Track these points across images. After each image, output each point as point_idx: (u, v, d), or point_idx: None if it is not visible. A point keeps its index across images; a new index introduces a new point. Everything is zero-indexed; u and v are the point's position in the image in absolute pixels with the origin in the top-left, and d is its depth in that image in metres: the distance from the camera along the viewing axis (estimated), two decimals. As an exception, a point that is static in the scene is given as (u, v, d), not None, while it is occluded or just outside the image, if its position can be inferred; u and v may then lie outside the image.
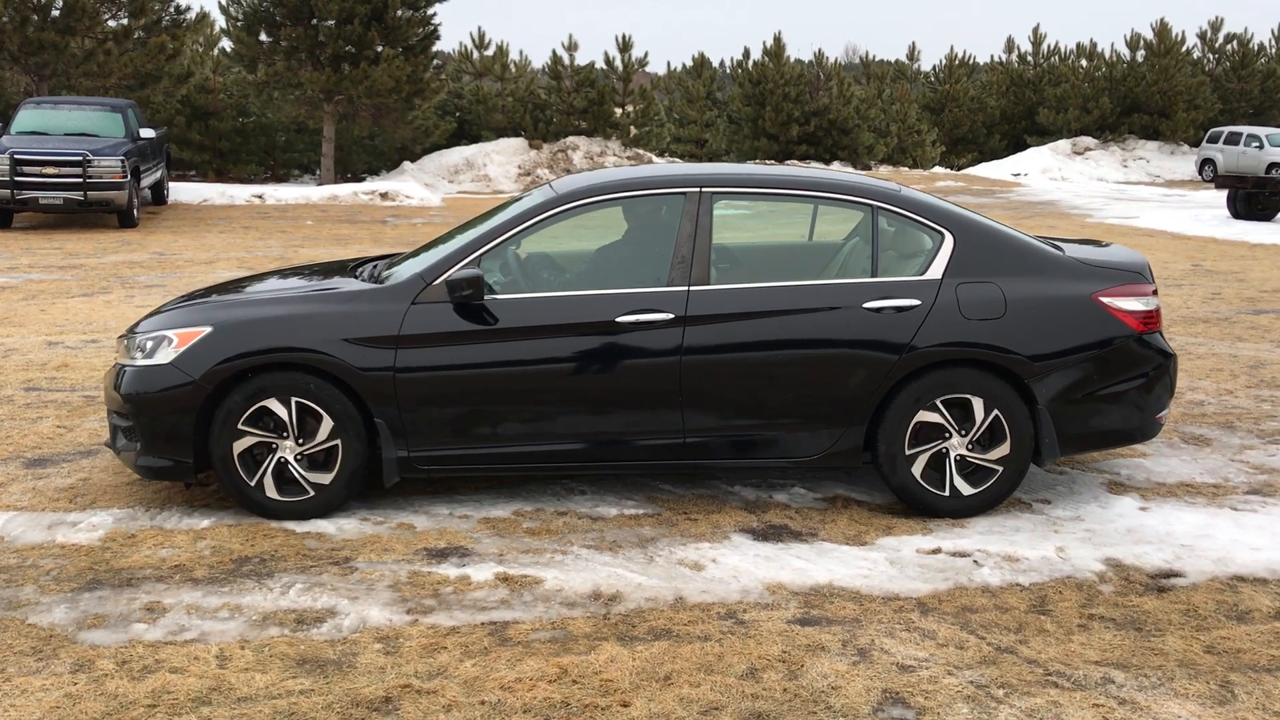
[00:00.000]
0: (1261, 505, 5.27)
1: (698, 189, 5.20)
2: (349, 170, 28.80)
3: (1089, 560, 4.61)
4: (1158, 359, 5.20)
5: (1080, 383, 5.09)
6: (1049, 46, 42.80)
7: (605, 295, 5.07)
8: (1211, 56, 41.81)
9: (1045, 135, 39.19)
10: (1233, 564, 4.57)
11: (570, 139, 30.33)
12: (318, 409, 4.91)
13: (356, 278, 5.43)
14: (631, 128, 32.19)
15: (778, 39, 35.75)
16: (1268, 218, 19.90)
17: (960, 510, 5.08)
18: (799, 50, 55.33)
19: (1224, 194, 21.32)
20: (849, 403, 5.05)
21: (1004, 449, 5.02)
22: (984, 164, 37.83)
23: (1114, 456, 5.97)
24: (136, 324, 5.39)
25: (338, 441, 4.94)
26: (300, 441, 4.95)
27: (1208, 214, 20.95)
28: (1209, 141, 33.61)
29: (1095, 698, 3.54)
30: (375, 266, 5.60)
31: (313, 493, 4.98)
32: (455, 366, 4.98)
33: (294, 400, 4.91)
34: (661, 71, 49.78)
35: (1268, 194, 20.12)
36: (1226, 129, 33.38)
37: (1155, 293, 5.30)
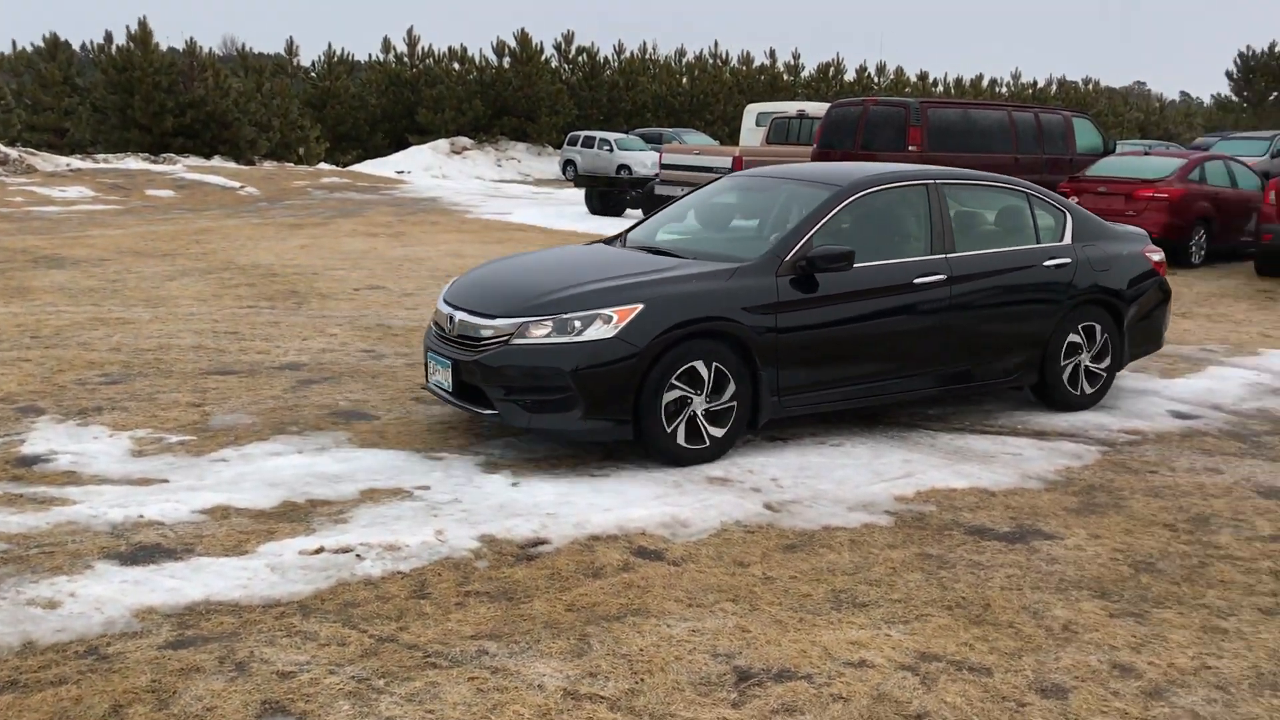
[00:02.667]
0: (614, 469, 5.86)
1: (933, 181, 6.97)
2: None
3: (465, 539, 4.82)
4: (1166, 292, 7.85)
5: (1141, 308, 7.58)
6: (424, 49, 44.38)
7: (902, 263, 6.63)
8: (567, 66, 45.96)
9: (425, 134, 40.61)
10: (590, 526, 5.03)
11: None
12: (725, 371, 5.93)
13: (615, 245, 7.18)
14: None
15: (143, 24, 33.37)
16: (618, 213, 22.31)
17: (1086, 402, 7.35)
18: (169, 38, 52.21)
19: (583, 192, 23.55)
20: (1035, 335, 7.08)
21: (1108, 360, 7.40)
22: (369, 161, 38.33)
23: (490, 439, 6.31)
24: (457, 304, 6.23)
25: (734, 403, 6.00)
26: (708, 399, 5.90)
27: (570, 210, 23.00)
28: (569, 144, 36.91)
29: (471, 671, 3.71)
30: (621, 238, 7.32)
31: (709, 444, 5.96)
32: (810, 326, 6.22)
33: (714, 364, 5.88)
34: (7, 50, 44.27)
35: (617, 192, 22.56)
36: (583, 133, 36.87)
37: None
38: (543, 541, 4.86)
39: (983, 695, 3.65)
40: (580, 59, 46.26)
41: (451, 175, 36.49)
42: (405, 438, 6.29)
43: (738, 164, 18.85)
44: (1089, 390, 7.36)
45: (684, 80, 48.19)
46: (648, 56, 48.75)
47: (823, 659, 3.86)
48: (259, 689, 3.55)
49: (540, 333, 5.76)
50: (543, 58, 43.94)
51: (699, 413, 5.92)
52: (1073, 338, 7.22)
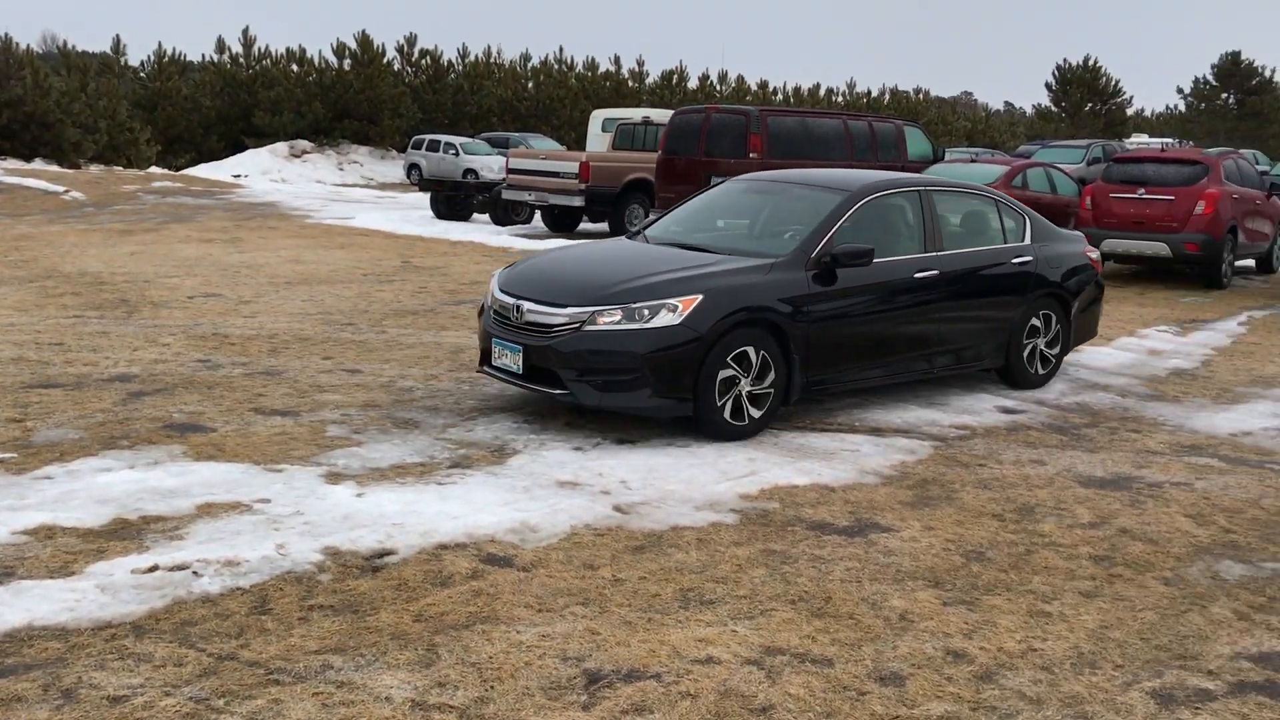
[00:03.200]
0: (461, 477, 5.82)
1: (922, 188, 7.98)
2: None
3: (308, 552, 4.71)
4: (1101, 288, 9.01)
5: (1083, 301, 8.68)
6: (260, 49, 43.11)
7: (905, 259, 7.50)
8: (410, 69, 45.30)
9: (263, 137, 39.44)
10: (437, 534, 4.98)
11: None
12: (767, 354, 6.66)
13: (638, 240, 7.93)
14: None
15: (-48, 18, 31.37)
16: (464, 218, 22.12)
17: (1040, 380, 8.39)
18: (-17, 33, 48.95)
19: (428, 196, 23.25)
20: (1005, 322, 8.07)
21: (1058, 346, 8.48)
22: (203, 165, 37.02)
23: (332, 448, 6.18)
24: (513, 294, 6.87)
25: (772, 383, 6.72)
26: (752, 380, 6.64)
27: (415, 214, 22.69)
28: (414, 148, 36.37)
29: (315, 686, 3.63)
30: (637, 232, 8.16)
31: (747, 422, 6.66)
32: (832, 314, 7.00)
33: (759, 349, 6.62)
34: None
35: (463, 197, 22.36)
36: (428, 136, 36.39)
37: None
38: (389, 552, 4.79)
39: (825, 686, 3.76)
40: (424, 62, 45.67)
41: (291, 179, 35.53)
42: (244, 450, 6.11)
43: (585, 170, 18.92)
44: (1043, 371, 8.47)
45: (530, 85, 48.07)
46: (493, 60, 48.47)
47: (671, 658, 3.91)
48: (88, 716, 3.40)
49: (610, 320, 6.42)
50: (385, 60, 43.21)
51: (744, 392, 6.63)
52: (1034, 323, 8.29)
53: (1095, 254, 8.97)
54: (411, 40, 45.42)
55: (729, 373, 6.53)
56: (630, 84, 49.67)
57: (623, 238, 8.36)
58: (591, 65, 49.86)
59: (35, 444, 6.08)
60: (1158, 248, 14.67)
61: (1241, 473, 6.45)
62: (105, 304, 10.71)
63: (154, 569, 4.48)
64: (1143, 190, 14.91)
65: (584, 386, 6.46)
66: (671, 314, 6.41)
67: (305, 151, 39.01)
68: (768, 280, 6.77)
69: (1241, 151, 22.64)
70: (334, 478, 5.71)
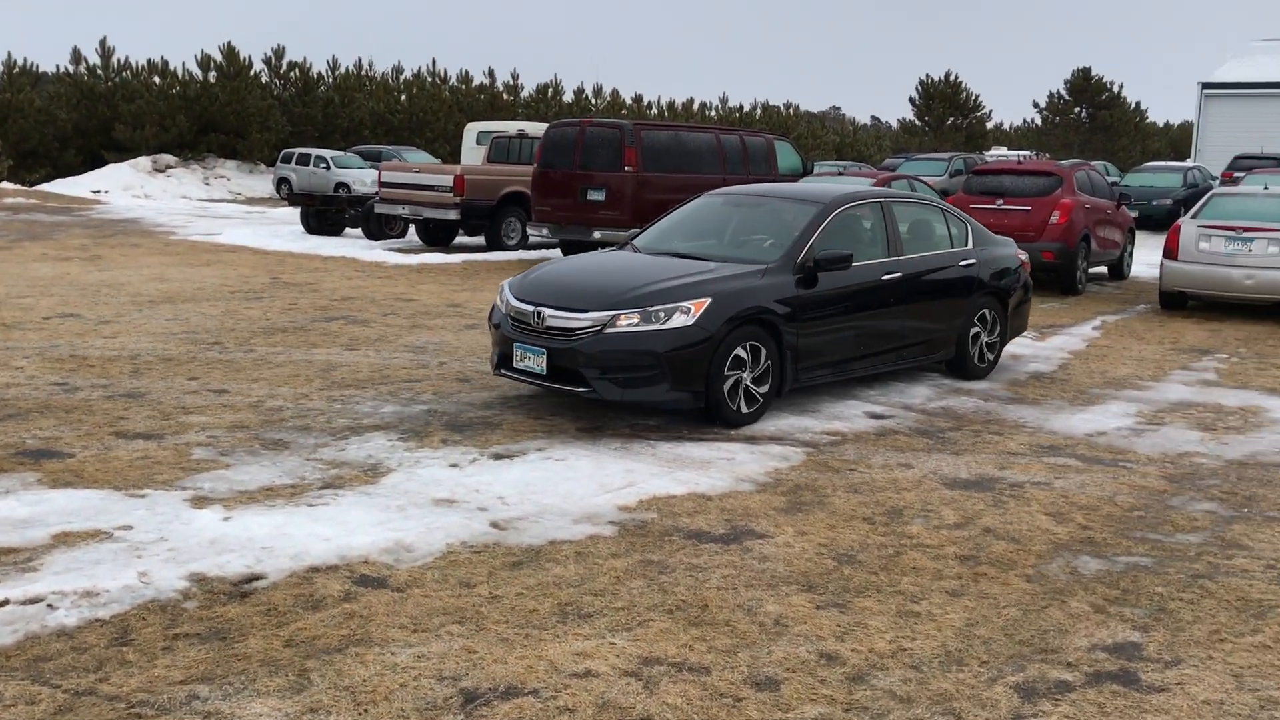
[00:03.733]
0: (333, 497, 5.70)
1: (884, 200, 8.84)
2: None
3: (173, 580, 4.56)
4: (1029, 287, 9.93)
5: (1017, 298, 9.66)
6: (119, 61, 41.58)
7: (875, 263, 8.26)
8: (279, 82, 44.31)
9: (125, 151, 38.08)
10: (308, 557, 4.87)
11: None
12: (764, 350, 7.40)
13: (627, 249, 8.57)
14: None
15: None
16: (337, 232, 21.72)
17: (984, 370, 9.40)
18: None
19: (298, 211, 22.76)
20: (956, 319, 9.00)
21: (998, 333, 9.45)
22: (60, 180, 35.55)
23: (198, 471, 6.00)
24: (528, 299, 7.45)
25: (769, 376, 7.45)
26: (753, 373, 7.34)
27: (285, 229, 22.18)
28: (283, 161, 35.55)
29: (181, 717, 3.51)
30: (626, 243, 8.82)
31: (754, 408, 7.46)
32: (816, 314, 7.74)
33: (758, 346, 7.33)
34: None
35: (334, 211, 21.95)
36: (298, 150, 35.63)
37: None
38: (258, 576, 4.66)
39: (702, 694, 3.79)
40: (292, 74, 44.68)
41: (155, 195, 34.40)
42: (104, 475, 5.88)
43: (459, 183, 18.77)
44: (988, 360, 9.44)
45: (403, 97, 47.44)
46: (364, 73, 47.71)
47: (549, 672, 3.90)
48: (-67, 760, 3.22)
49: (629, 322, 7.04)
50: (252, 72, 42.16)
51: (746, 384, 7.31)
52: (978, 319, 9.21)
53: (1025, 256, 9.95)
54: (279, 52, 44.43)
55: (734, 367, 7.22)
56: (505, 97, 49.47)
57: (615, 249, 9.00)
58: (465, 78, 49.51)
59: (-126, 475, 5.75)
60: (1017, 256, 15.22)
61: (1097, 471, 6.73)
62: (-48, 326, 10.20)
63: (4, 603, 4.27)
64: (1001, 201, 15.48)
65: (606, 383, 7.05)
66: (685, 316, 7.07)
67: (169, 166, 37.79)
68: (763, 284, 7.48)
69: (1093, 163, 23.66)
70: (200, 501, 5.54)
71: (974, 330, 9.18)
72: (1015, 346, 11.10)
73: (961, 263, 9.05)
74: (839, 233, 8.16)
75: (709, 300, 7.15)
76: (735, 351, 7.22)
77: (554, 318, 7.21)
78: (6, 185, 31.48)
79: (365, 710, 3.60)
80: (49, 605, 4.27)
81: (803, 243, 7.85)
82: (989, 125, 67.93)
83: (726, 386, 7.21)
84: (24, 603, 4.28)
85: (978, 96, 65.40)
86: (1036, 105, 67.71)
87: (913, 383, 9.01)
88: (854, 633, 4.32)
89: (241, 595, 4.48)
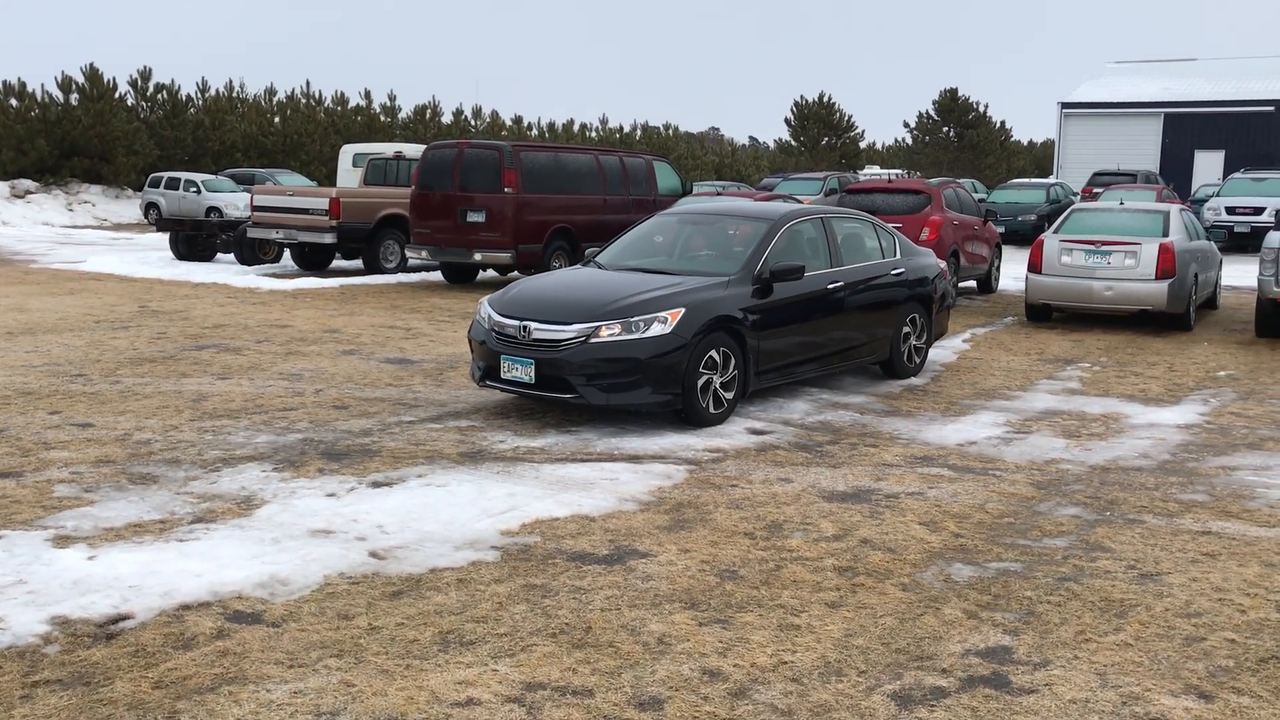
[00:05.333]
0: (205, 532, 5.53)
1: (823, 215, 9.60)
2: None
3: (32, 624, 4.36)
4: (949, 295, 10.87)
5: (939, 304, 10.56)
6: (-27, 82, 39.82)
7: (820, 274, 9.03)
8: (145, 104, 42.99)
9: (-21, 176, 36.44)
10: (179, 594, 4.71)
11: None
12: (731, 355, 8.09)
13: (588, 266, 9.28)
14: None
15: None
16: (208, 258, 21.14)
17: (914, 370, 10.24)
18: None
19: (167, 236, 22.10)
20: (889, 323, 9.78)
21: (926, 338, 10.34)
22: (-91, 207, 33.83)
23: (60, 509, 5.76)
24: (510, 312, 8.09)
25: (735, 379, 8.15)
26: (721, 376, 8.02)
27: (154, 256, 21.52)
28: (151, 186, 34.50)
29: (40, 769, 3.35)
30: (589, 261, 9.50)
31: (724, 408, 8.13)
32: (773, 321, 8.44)
33: (725, 351, 8.02)
34: None
35: (205, 235, 21.37)
36: (167, 174, 34.62)
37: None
38: (125, 617, 4.49)
39: (585, 717, 3.78)
40: (160, 96, 43.40)
41: (14, 222, 33.01)
42: (-43, 517, 5.60)
43: (335, 206, 18.46)
44: (917, 362, 10.31)
45: (276, 120, 46.49)
46: (235, 95, 46.64)
47: (430, 703, 3.84)
48: None
49: (611, 333, 7.64)
50: (116, 95, 40.82)
51: (717, 386, 7.96)
52: (907, 324, 10.04)
53: (944, 265, 10.80)
54: (146, 74, 43.12)
55: (706, 371, 7.86)
56: (382, 119, 48.87)
57: (580, 266, 9.56)
58: (341, 100, 48.76)
59: None
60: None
61: (968, 480, 6.93)
62: None
63: None
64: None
65: (593, 389, 7.62)
66: (663, 325, 7.70)
67: (29, 192, 36.32)
68: (727, 294, 8.16)
69: (960, 181, 24.44)
70: (62, 541, 5.32)
71: (905, 333, 10.02)
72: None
73: (893, 272, 9.90)
74: (788, 247, 8.91)
75: (683, 310, 7.80)
76: (708, 355, 7.86)
77: (540, 330, 7.79)
78: None
79: (239, 751, 3.49)
80: (-104, 657, 4.04)
81: (758, 256, 8.57)
82: (862, 145, 69.67)
83: (700, 388, 7.84)
84: None
85: (851, 117, 67.07)
86: (907, 125, 69.83)
87: (792, 398, 9.16)
88: (736, 648, 4.36)
89: (108, 637, 4.31)
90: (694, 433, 7.88)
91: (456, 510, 5.98)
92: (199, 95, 44.85)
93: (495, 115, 53.18)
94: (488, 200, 16.65)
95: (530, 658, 4.22)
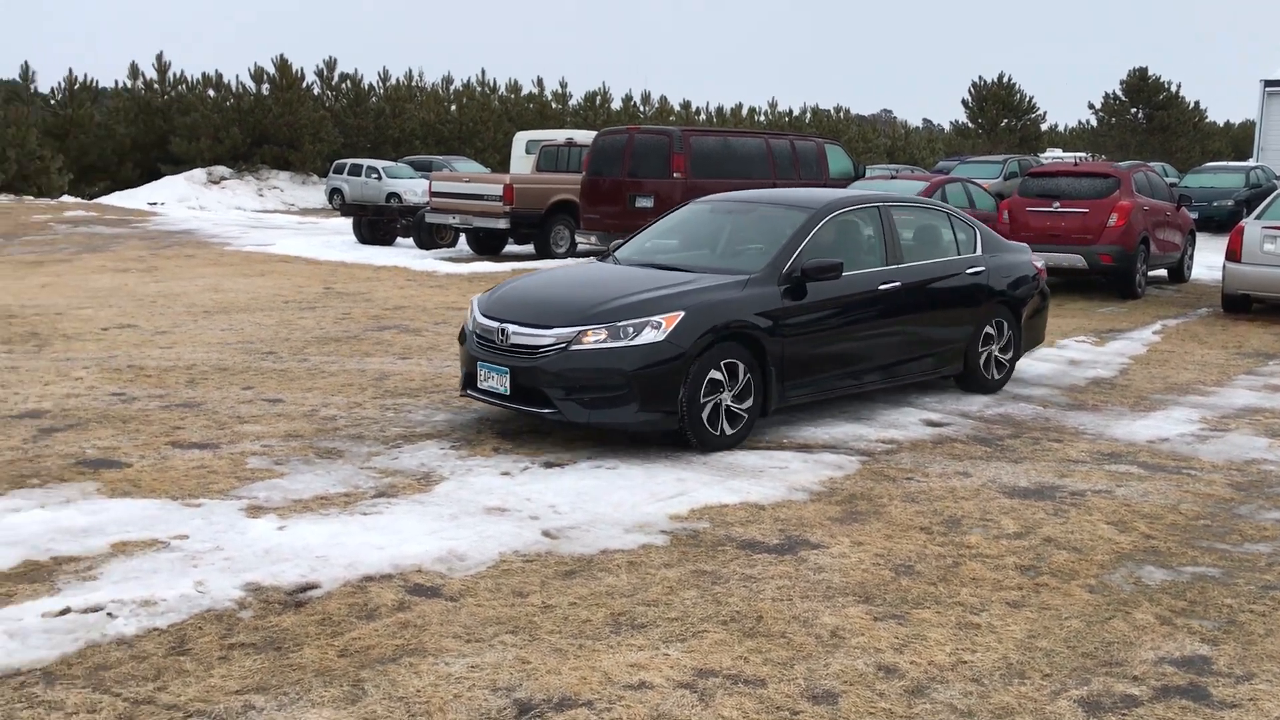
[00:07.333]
0: (386, 506, 5.71)
1: (881, 204, 8.27)
2: None
3: (228, 589, 4.58)
4: (1046, 296, 9.34)
5: (1032, 308, 9.07)
6: (175, 75, 42.38)
7: (870, 272, 7.78)
8: (330, 93, 44.83)
9: (180, 164, 38.74)
10: (362, 566, 4.88)
11: None
12: (746, 366, 6.86)
13: (608, 262, 8.13)
14: None
15: None
16: (388, 242, 21.89)
17: (996, 384, 8.81)
18: (-117, 61, 47.51)
19: (350, 221, 22.98)
20: (962, 330, 8.46)
21: (1011, 351, 8.88)
22: (118, 193, 36.22)
23: (253, 480, 6.04)
24: (492, 316, 7.05)
25: (752, 394, 6.94)
26: (732, 391, 6.83)
27: (338, 240, 22.40)
28: (335, 172, 35.96)
29: (236, 728, 3.52)
30: (609, 254, 8.38)
31: (730, 433, 6.88)
32: (804, 327, 7.24)
33: (738, 361, 6.82)
34: None
35: (386, 221, 22.13)
36: (350, 161, 36.01)
37: None
38: (312, 586, 4.67)
39: (758, 707, 3.74)
40: (344, 86, 45.22)
41: (210, 206, 34.91)
42: (161, 485, 5.94)
43: (509, 192, 18.85)
44: (998, 376, 8.82)
45: (452, 108, 47.83)
46: (414, 84, 48.15)
47: (603, 684, 3.86)
48: (-5, 769, 3.25)
49: (596, 339, 6.58)
50: (304, 84, 42.70)
51: (726, 403, 6.81)
52: (988, 331, 8.65)
53: (1040, 263, 9.35)
54: (331, 64, 44.99)
55: (712, 385, 6.74)
56: (554, 106, 49.69)
57: (594, 260, 8.61)
58: (514, 87, 49.80)
59: (-61, 485, 5.85)
60: (1073, 260, 14.98)
61: (1160, 479, 6.58)
62: (14, 338, 10.39)
63: (66, 611, 4.32)
64: (1057, 204, 15.24)
65: (572, 404, 6.61)
66: (655, 331, 6.60)
67: (224, 178, 38.37)
68: (743, 296, 6.99)
69: (1151, 164, 23.27)
70: (255, 511, 5.57)
71: (984, 342, 8.62)
72: (1074, 351, 10.91)
73: (969, 270, 8.53)
74: (831, 240, 7.70)
75: (682, 314, 6.66)
76: (713, 369, 6.73)
77: (518, 334, 6.82)
78: (67, 199, 32.13)
79: (419, 721, 3.58)
80: (109, 614, 4.30)
81: (790, 251, 7.35)
82: (1043, 127, 67.06)
83: (705, 409, 6.71)
84: (84, 611, 4.32)
85: (1032, 98, 64.56)
86: (1092, 106, 66.63)
87: (970, 390, 8.87)
88: (913, 645, 4.24)
89: (296, 605, 4.49)
90: (866, 423, 7.71)
91: (626, 493, 6.01)
92: (380, 84, 46.53)
93: (664, 101, 53.38)
94: (657, 186, 16.71)
95: (701, 644, 4.20)
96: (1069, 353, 10.88)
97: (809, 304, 7.27)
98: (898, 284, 7.88)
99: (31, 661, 3.93)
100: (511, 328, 6.87)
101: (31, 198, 31.26)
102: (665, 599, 4.63)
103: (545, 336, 6.70)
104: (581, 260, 8.77)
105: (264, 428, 7.22)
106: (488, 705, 3.70)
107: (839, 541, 5.37)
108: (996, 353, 8.76)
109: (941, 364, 8.38)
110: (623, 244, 8.51)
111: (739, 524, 5.60)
